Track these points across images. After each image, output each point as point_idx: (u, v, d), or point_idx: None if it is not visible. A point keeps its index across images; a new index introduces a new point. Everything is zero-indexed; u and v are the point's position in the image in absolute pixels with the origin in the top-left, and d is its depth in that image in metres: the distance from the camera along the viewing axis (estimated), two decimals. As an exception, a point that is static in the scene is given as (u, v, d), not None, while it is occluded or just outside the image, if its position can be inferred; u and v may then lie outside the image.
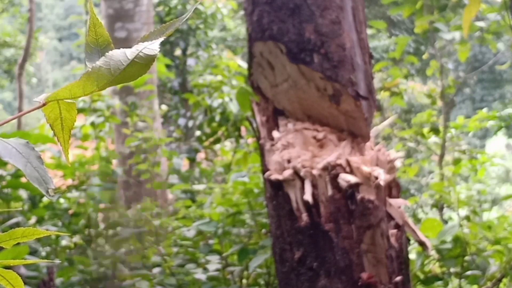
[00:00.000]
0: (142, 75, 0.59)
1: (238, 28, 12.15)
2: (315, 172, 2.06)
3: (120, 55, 0.58)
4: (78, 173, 3.96)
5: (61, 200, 3.81)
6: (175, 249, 3.17)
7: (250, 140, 5.37)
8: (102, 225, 4.01)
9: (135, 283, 2.87)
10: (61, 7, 35.10)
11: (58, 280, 3.02)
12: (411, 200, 4.33)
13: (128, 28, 5.72)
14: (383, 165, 2.11)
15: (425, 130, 5.44)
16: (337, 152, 2.10)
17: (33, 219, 3.49)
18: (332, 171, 2.06)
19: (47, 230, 1.10)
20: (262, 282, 3.00)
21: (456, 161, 5.35)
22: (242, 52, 10.40)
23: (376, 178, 2.06)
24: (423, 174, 7.84)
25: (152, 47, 0.58)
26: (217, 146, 6.40)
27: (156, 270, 3.04)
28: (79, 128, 4.65)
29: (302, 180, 2.08)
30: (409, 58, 4.87)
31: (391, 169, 2.13)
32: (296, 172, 2.08)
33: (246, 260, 2.79)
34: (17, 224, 3.15)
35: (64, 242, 3.75)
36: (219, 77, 5.78)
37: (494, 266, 2.83)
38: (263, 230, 2.91)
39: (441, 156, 5.71)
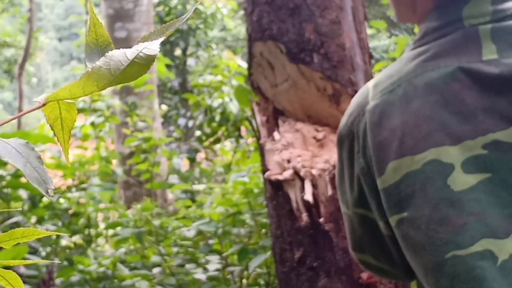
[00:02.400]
0: (142, 75, 0.59)
1: (238, 28, 12.16)
2: (315, 172, 2.06)
3: (120, 55, 0.58)
4: (78, 173, 3.97)
5: (61, 200, 3.81)
6: (175, 249, 3.17)
7: (250, 140, 5.37)
8: (102, 225, 4.01)
9: (135, 283, 2.87)
10: (61, 7, 35.12)
11: (58, 280, 3.02)
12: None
13: (128, 28, 5.72)
14: (383, 165, 2.11)
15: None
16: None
17: (33, 219, 3.50)
18: (332, 171, 2.06)
19: (47, 230, 1.09)
20: (262, 282, 3.00)
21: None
22: (242, 52, 10.40)
23: (376, 178, 2.06)
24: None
25: (152, 47, 0.58)
26: (217, 146, 6.41)
27: (156, 270, 3.04)
28: (79, 128, 4.65)
29: (302, 180, 2.08)
30: (409, 58, 4.87)
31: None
32: (296, 172, 2.08)
33: (246, 260, 2.79)
34: (17, 224, 3.16)
35: (64, 242, 3.75)
36: (219, 77, 5.78)
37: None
38: (263, 230, 2.91)
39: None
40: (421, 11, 1.13)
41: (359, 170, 1.11)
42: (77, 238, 3.79)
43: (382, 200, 1.07)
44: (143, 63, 0.58)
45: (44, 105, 0.60)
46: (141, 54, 0.58)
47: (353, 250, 1.27)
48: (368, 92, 1.11)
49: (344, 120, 1.15)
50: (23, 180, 3.28)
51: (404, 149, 1.02)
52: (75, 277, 3.07)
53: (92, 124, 4.54)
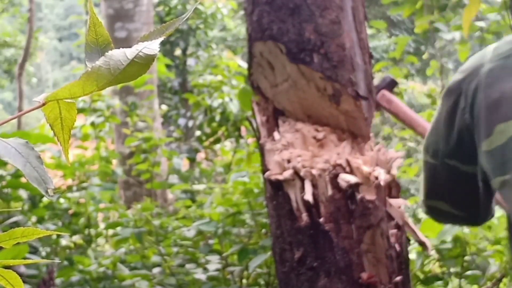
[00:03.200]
0: (142, 75, 0.59)
1: (238, 28, 12.15)
2: (315, 172, 2.06)
3: (120, 55, 0.58)
4: (78, 173, 3.96)
5: (61, 200, 3.80)
6: (175, 249, 3.16)
7: (250, 140, 5.36)
8: (102, 225, 4.01)
9: (135, 283, 2.87)
10: (61, 7, 35.09)
11: (58, 280, 3.02)
12: (411, 200, 4.32)
13: (128, 28, 5.72)
14: (383, 165, 2.11)
15: (425, 130, 5.43)
16: (337, 152, 2.10)
17: (33, 219, 3.49)
18: (332, 171, 2.06)
19: (47, 229, 1.09)
20: (262, 282, 3.00)
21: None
22: (242, 52, 10.40)
23: (376, 178, 2.06)
24: (423, 174, 7.81)
25: (152, 46, 0.58)
26: (217, 146, 6.40)
27: (156, 270, 3.04)
28: (79, 128, 4.65)
29: (302, 180, 2.07)
30: (409, 58, 4.87)
31: (391, 169, 2.13)
32: (296, 172, 2.08)
33: (246, 260, 2.79)
34: (17, 223, 3.15)
35: (64, 242, 3.75)
36: (219, 77, 5.77)
37: (494, 266, 2.83)
38: (263, 230, 2.91)
39: (441, 156, 5.70)
40: None
41: (464, 126, 1.16)
42: (77, 238, 3.79)
43: (484, 161, 1.12)
44: (143, 63, 0.58)
45: (44, 104, 0.60)
46: (141, 53, 0.58)
47: (426, 197, 1.36)
48: (486, 54, 1.15)
49: (456, 76, 1.21)
50: (23, 180, 3.28)
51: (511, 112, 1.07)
52: (75, 277, 3.07)
53: (92, 124, 4.53)
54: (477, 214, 1.30)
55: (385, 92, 2.10)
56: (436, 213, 1.39)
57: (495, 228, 2.97)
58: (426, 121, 2.07)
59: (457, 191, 1.27)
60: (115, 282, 3.06)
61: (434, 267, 3.02)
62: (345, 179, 2.04)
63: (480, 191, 1.21)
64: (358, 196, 2.04)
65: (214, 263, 2.97)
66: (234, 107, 5.70)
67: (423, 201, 1.40)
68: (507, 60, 1.10)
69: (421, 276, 2.95)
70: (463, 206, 1.30)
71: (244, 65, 5.25)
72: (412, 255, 2.91)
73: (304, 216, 2.05)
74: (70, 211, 3.71)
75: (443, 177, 1.28)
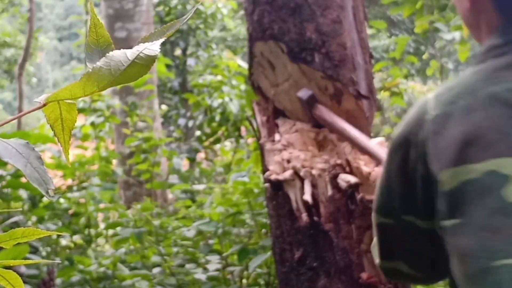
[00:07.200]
0: (142, 75, 0.59)
1: (238, 28, 12.16)
2: (314, 172, 2.06)
3: (121, 55, 0.58)
4: (78, 173, 3.96)
5: (61, 200, 3.80)
6: (175, 249, 3.17)
7: (250, 140, 5.37)
8: (102, 225, 4.01)
9: (135, 283, 2.87)
10: (61, 7, 35.12)
11: (58, 280, 3.02)
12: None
13: (128, 28, 5.73)
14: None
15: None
16: (337, 152, 2.10)
17: (33, 219, 3.49)
18: (332, 171, 2.06)
19: (47, 229, 1.09)
20: (262, 282, 3.00)
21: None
22: (242, 52, 10.41)
23: (376, 178, 2.05)
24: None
25: (153, 48, 0.58)
26: (217, 146, 6.41)
27: (156, 270, 3.04)
28: (79, 128, 4.65)
29: (302, 180, 2.07)
30: (409, 58, 4.87)
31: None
32: (296, 172, 2.08)
33: (246, 260, 2.79)
34: (17, 224, 3.15)
35: (64, 242, 3.75)
36: (219, 77, 5.78)
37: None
38: (263, 230, 2.91)
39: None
40: (486, 30, 1.20)
41: (419, 177, 1.14)
42: (77, 238, 3.79)
43: (437, 204, 1.11)
44: (144, 64, 0.58)
45: (44, 105, 0.60)
46: (141, 54, 0.58)
47: (382, 259, 1.33)
48: (427, 103, 1.15)
49: (399, 129, 1.19)
50: (23, 180, 3.28)
51: (463, 157, 1.06)
52: (75, 277, 3.07)
53: (92, 124, 4.54)
54: (434, 275, 1.28)
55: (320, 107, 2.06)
56: (395, 275, 1.36)
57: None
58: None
59: (414, 249, 1.25)
60: (115, 282, 3.06)
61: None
62: (345, 179, 2.04)
63: (436, 248, 1.19)
64: (358, 196, 2.04)
65: (214, 263, 2.98)
66: (234, 107, 5.70)
67: (380, 264, 1.36)
68: (451, 106, 1.11)
69: (421, 276, 2.95)
70: (421, 266, 1.28)
71: (244, 65, 5.25)
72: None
73: (304, 216, 2.05)
74: (70, 211, 3.71)
75: (400, 236, 1.26)
